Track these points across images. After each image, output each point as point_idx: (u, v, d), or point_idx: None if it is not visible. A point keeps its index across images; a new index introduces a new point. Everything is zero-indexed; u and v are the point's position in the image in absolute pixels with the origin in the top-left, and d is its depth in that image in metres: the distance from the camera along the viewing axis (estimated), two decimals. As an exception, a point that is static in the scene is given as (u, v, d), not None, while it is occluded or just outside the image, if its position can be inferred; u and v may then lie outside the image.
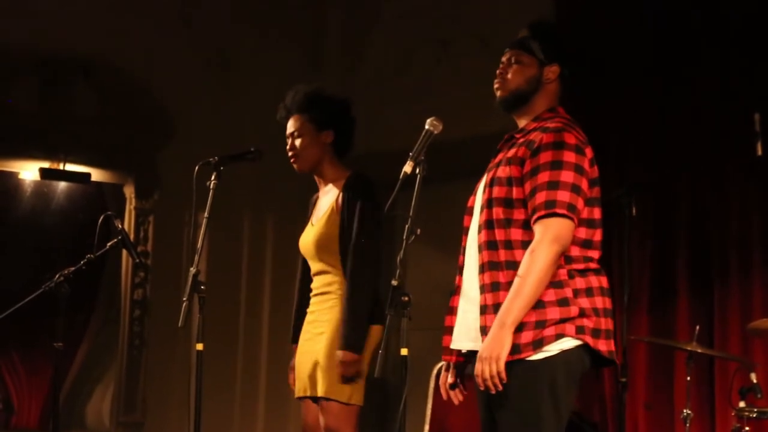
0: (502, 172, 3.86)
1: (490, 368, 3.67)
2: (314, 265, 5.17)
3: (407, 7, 9.22)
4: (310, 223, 5.24)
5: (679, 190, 7.10)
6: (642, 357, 7.05)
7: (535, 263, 3.69)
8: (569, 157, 3.76)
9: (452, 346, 4.02)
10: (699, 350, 5.90)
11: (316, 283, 5.15)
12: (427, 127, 3.93)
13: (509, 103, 4.03)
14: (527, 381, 3.71)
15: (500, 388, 3.68)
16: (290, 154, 5.18)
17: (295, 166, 5.20)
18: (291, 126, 5.19)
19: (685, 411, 5.92)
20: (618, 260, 7.12)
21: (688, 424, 5.89)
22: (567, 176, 3.74)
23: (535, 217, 3.74)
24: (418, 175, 3.87)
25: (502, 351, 3.66)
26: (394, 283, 3.79)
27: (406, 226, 3.81)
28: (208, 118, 9.24)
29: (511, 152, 3.88)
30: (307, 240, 5.17)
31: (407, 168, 3.87)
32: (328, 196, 5.17)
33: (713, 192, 6.95)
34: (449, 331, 4.04)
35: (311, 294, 5.17)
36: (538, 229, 3.74)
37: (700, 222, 7.00)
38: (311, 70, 9.34)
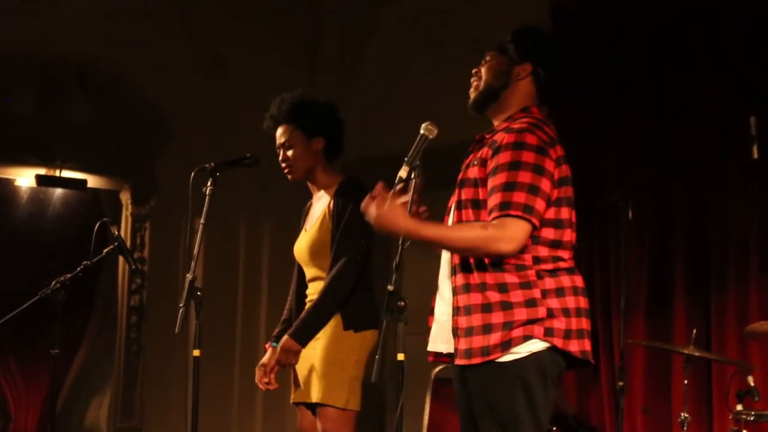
0: (471, 173, 3.85)
1: (374, 203, 3.73)
2: (309, 271, 5.17)
3: (404, 12, 9.22)
4: (303, 230, 5.25)
5: (676, 194, 7.11)
6: (639, 361, 7.06)
7: (466, 234, 3.72)
8: (528, 157, 3.72)
9: (429, 348, 4.02)
10: (696, 354, 5.90)
11: (311, 290, 5.15)
12: (422, 131, 3.92)
13: (480, 101, 4.02)
14: (500, 383, 3.70)
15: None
16: (283, 165, 5.18)
17: (289, 176, 5.20)
18: (280, 136, 5.18)
19: (682, 414, 5.92)
20: (615, 264, 7.14)
21: (685, 428, 5.90)
22: (524, 177, 3.70)
23: (491, 218, 3.72)
24: (413, 180, 3.87)
25: (386, 218, 3.70)
26: (390, 288, 3.79)
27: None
28: (204, 125, 9.24)
29: (479, 153, 3.87)
30: (301, 246, 5.17)
31: (402, 173, 3.87)
32: (321, 202, 5.17)
33: (710, 195, 6.96)
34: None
35: (306, 300, 5.17)
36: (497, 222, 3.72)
37: (697, 225, 7.00)
38: (308, 76, 9.34)
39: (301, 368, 5.07)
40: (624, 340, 6.12)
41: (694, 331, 6.08)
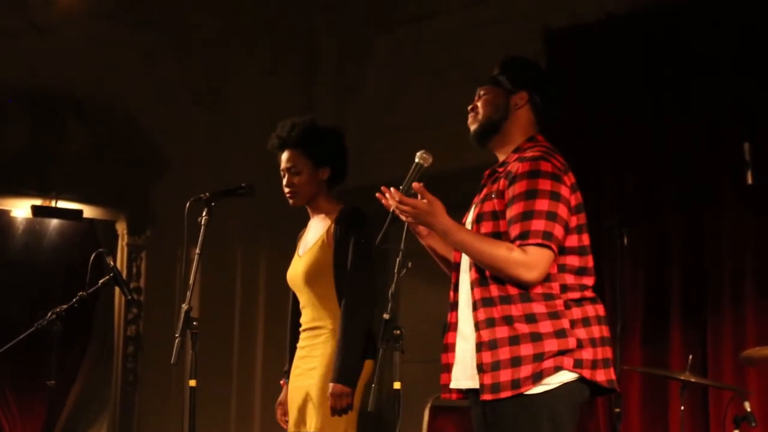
0: (488, 206, 3.87)
1: (416, 205, 3.78)
2: (302, 298, 5.15)
3: (400, 39, 9.25)
4: (297, 255, 5.23)
5: (671, 220, 7.12)
6: (636, 387, 7.05)
7: (493, 252, 3.74)
8: (544, 185, 3.75)
9: (452, 386, 4.00)
10: (693, 379, 5.90)
11: (305, 317, 5.13)
12: (417, 159, 3.93)
13: (481, 134, 4.04)
14: (530, 415, 3.71)
15: (407, 209, 3.78)
16: (287, 190, 5.16)
17: (291, 201, 5.19)
18: (287, 161, 5.16)
19: (679, 440, 5.92)
20: (611, 290, 7.13)
21: (683, 454, 5.89)
22: (542, 204, 3.73)
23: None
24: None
25: (435, 219, 3.77)
26: (386, 316, 3.79)
27: (398, 259, 3.82)
28: (200, 154, 9.26)
29: (495, 186, 3.89)
30: (296, 272, 5.16)
31: (398, 200, 3.88)
32: (318, 228, 5.16)
33: (705, 221, 6.98)
34: (447, 368, 4.02)
35: (301, 329, 5.16)
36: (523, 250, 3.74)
37: (693, 251, 7.01)
38: (304, 103, 9.35)
39: (298, 398, 5.05)
40: (620, 366, 6.12)
41: (690, 356, 6.08)
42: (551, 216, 3.73)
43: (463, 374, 3.93)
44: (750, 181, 5.89)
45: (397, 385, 3.84)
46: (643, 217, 7.02)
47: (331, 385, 4.86)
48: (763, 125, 6.75)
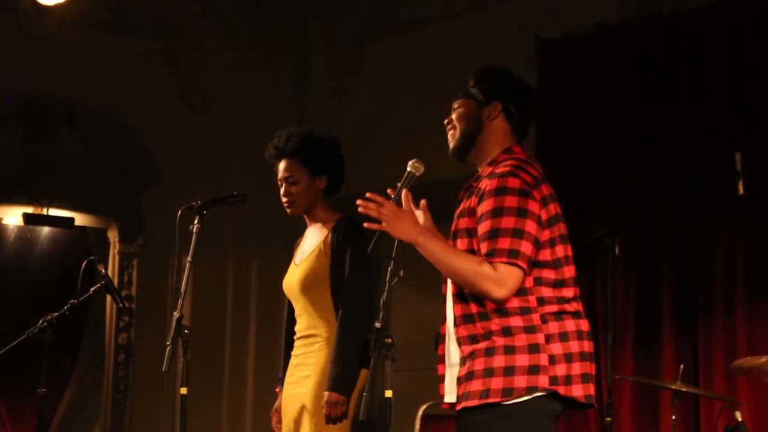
0: (462, 223, 3.86)
1: (382, 211, 3.77)
2: (297, 306, 5.16)
3: (391, 50, 9.27)
4: (293, 263, 5.24)
5: (662, 229, 7.14)
6: (627, 396, 7.06)
7: (467, 267, 3.72)
8: (511, 202, 3.72)
9: (445, 399, 3.99)
10: (684, 389, 5.90)
11: (300, 325, 5.14)
12: (408, 169, 3.94)
13: (458, 150, 4.02)
14: (498, 424, 3.70)
15: (371, 206, 3.78)
16: (285, 200, 5.17)
17: (288, 210, 5.20)
18: (285, 170, 5.17)
19: (670, 450, 5.93)
20: (602, 299, 7.14)
21: (674, 463, 5.90)
22: (508, 222, 3.70)
23: None
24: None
25: (399, 227, 3.76)
26: (378, 325, 3.79)
27: (389, 268, 3.82)
28: (191, 162, 9.26)
29: (469, 202, 3.87)
30: (292, 280, 5.17)
31: (389, 210, 3.88)
32: (315, 237, 5.17)
33: (696, 231, 6.99)
34: (442, 379, 4.03)
35: (295, 337, 5.16)
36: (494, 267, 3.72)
37: (684, 261, 7.03)
38: (296, 112, 9.37)
39: (292, 406, 5.06)
40: (611, 375, 6.12)
41: (682, 366, 6.08)
42: (517, 233, 3.70)
43: (450, 388, 3.94)
44: (741, 191, 5.92)
45: (388, 394, 3.84)
46: (635, 226, 7.02)
47: (326, 393, 4.87)
48: (754, 136, 6.77)
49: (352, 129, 9.15)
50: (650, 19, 7.43)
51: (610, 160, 7.43)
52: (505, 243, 3.69)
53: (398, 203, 3.87)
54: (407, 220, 3.80)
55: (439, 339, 4.06)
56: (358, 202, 3.82)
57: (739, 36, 6.97)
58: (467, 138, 3.99)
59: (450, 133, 4.05)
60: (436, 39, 8.90)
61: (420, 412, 6.57)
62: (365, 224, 3.83)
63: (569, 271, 3.83)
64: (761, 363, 5.63)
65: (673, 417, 5.97)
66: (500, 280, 3.68)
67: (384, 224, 3.79)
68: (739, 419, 5.71)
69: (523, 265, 3.69)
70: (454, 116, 4.04)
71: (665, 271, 7.08)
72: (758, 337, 6.68)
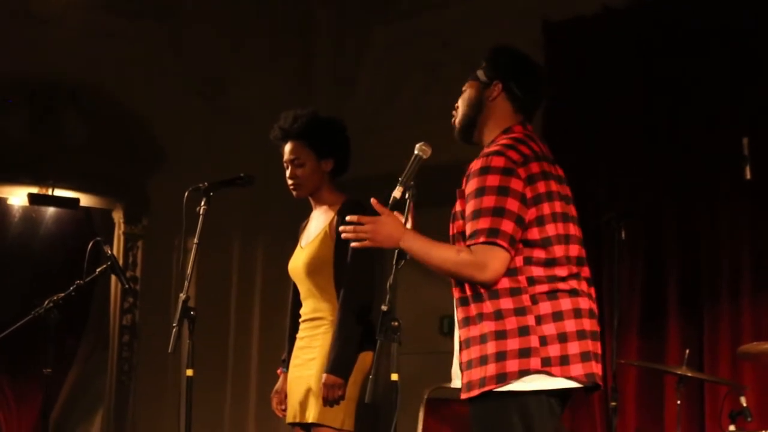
0: (457, 205, 3.85)
1: (364, 230, 3.80)
2: (303, 289, 5.16)
3: (397, 33, 9.25)
4: (299, 247, 5.24)
5: (669, 214, 7.13)
6: (632, 381, 7.06)
7: (449, 258, 3.73)
8: (492, 181, 3.69)
9: (451, 384, 4.01)
10: (689, 374, 5.90)
11: (306, 308, 5.14)
12: (416, 152, 3.93)
13: (461, 133, 4.03)
14: (499, 412, 3.69)
15: (348, 232, 3.82)
16: (291, 182, 5.16)
17: (294, 192, 5.19)
18: (290, 152, 5.15)
19: (675, 435, 5.93)
20: (608, 284, 7.14)
21: (678, 448, 5.90)
22: (488, 201, 3.68)
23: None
24: (408, 201, 3.88)
25: (382, 239, 3.80)
26: (384, 308, 3.79)
27: (396, 251, 3.82)
28: (197, 144, 9.25)
29: (462, 184, 3.87)
30: (297, 263, 5.16)
31: (396, 193, 3.88)
32: (320, 220, 5.17)
33: (703, 215, 6.98)
34: None
35: (301, 320, 5.16)
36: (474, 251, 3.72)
37: (690, 245, 7.02)
38: (302, 96, 9.35)
39: (297, 388, 5.06)
40: (616, 360, 6.12)
41: (687, 351, 6.09)
42: (498, 212, 3.66)
43: (457, 373, 3.92)
44: (748, 176, 5.89)
45: (394, 377, 3.84)
46: (641, 210, 7.01)
47: (324, 375, 4.87)
48: (762, 120, 6.76)
49: (358, 113, 9.14)
50: (657, 2, 7.41)
51: (617, 143, 7.42)
52: (485, 222, 3.66)
53: (406, 186, 3.86)
54: (385, 230, 3.81)
55: (445, 323, 4.07)
56: (340, 228, 3.89)
57: (747, 18, 6.95)
58: (468, 121, 3.99)
59: (453, 117, 4.05)
60: (443, 23, 8.89)
61: (425, 396, 6.57)
62: (352, 244, 3.87)
63: (563, 250, 3.78)
64: (767, 348, 5.64)
65: (678, 402, 5.97)
66: (480, 263, 3.67)
67: (366, 241, 3.82)
68: (744, 404, 5.72)
69: (504, 244, 3.66)
70: (459, 100, 4.03)
71: (671, 255, 7.08)
72: (764, 322, 6.68)
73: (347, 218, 3.88)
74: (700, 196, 7.00)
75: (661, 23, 7.32)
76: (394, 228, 3.81)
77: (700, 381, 6.56)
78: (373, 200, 3.87)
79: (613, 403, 6.06)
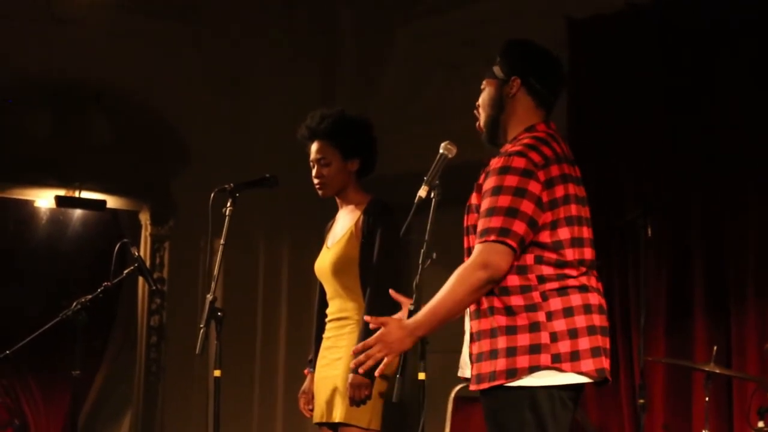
0: (472, 198, 3.84)
1: (376, 352, 3.73)
2: (329, 289, 5.16)
3: (420, 31, 9.24)
4: (325, 247, 5.24)
5: (694, 211, 7.10)
6: (660, 378, 7.04)
7: (454, 283, 3.70)
8: (510, 181, 3.67)
9: (458, 374, 4.00)
10: (717, 371, 5.89)
11: (332, 308, 5.15)
12: (441, 151, 3.93)
13: (487, 136, 3.99)
14: (511, 406, 3.68)
15: (361, 359, 3.74)
16: (317, 181, 5.17)
17: (320, 192, 5.20)
18: (317, 152, 5.16)
19: (703, 432, 5.92)
20: (634, 281, 7.13)
21: (707, 445, 5.89)
22: (504, 201, 3.66)
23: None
24: (433, 200, 3.88)
25: (397, 346, 3.72)
26: (411, 307, 3.80)
27: (422, 250, 3.82)
28: (222, 144, 9.27)
29: (481, 179, 3.84)
30: (324, 263, 5.17)
31: (422, 192, 3.88)
32: (346, 219, 5.17)
33: (729, 212, 6.95)
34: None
35: (327, 320, 5.17)
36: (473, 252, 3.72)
37: (716, 242, 6.99)
38: (325, 95, 9.36)
39: (324, 388, 5.07)
40: (644, 357, 6.11)
41: (715, 347, 6.07)
42: (511, 212, 3.64)
43: (465, 363, 3.92)
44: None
45: (421, 376, 3.84)
46: (667, 208, 6.99)
47: (350, 375, 4.88)
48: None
49: (381, 111, 9.13)
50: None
51: (642, 140, 7.40)
52: (498, 221, 3.65)
53: (431, 186, 3.86)
54: (393, 338, 3.75)
55: None
56: (352, 365, 3.86)
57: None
58: (492, 123, 3.95)
59: (477, 121, 4.01)
60: (465, 21, 8.87)
61: (452, 394, 6.58)
62: (375, 372, 3.79)
63: (576, 253, 3.75)
64: (795, 344, 5.62)
65: (707, 399, 5.96)
66: (481, 262, 3.66)
67: (385, 358, 3.76)
68: (773, 400, 5.71)
69: (513, 244, 3.65)
70: (479, 101, 3.99)
71: (697, 253, 7.05)
72: (791, 319, 6.66)
73: (352, 351, 3.84)
74: (725, 193, 6.96)
75: (685, 19, 7.29)
76: (399, 329, 3.76)
77: (728, 378, 6.54)
78: (367, 318, 3.88)
79: (641, 400, 6.06)
